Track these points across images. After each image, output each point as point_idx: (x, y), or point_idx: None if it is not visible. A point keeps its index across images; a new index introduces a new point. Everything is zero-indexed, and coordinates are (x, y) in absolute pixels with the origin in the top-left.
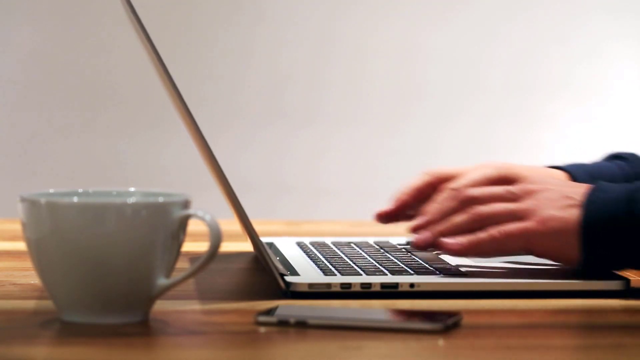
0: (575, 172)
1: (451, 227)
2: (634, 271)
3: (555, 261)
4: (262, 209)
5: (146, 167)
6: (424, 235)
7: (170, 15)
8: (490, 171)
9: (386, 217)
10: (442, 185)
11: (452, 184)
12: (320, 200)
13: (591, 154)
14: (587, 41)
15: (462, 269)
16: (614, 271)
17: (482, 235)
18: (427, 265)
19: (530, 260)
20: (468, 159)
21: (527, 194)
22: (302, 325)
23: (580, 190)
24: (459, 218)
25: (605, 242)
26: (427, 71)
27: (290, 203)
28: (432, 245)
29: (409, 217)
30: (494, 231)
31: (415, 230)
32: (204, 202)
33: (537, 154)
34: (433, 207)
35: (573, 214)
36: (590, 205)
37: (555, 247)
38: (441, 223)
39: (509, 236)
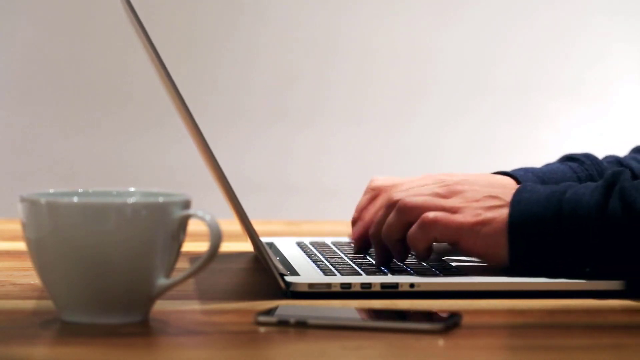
0: (522, 177)
1: (388, 228)
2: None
3: (481, 259)
4: (267, 209)
5: (148, 167)
6: (359, 241)
7: (172, 16)
8: (429, 182)
9: (360, 249)
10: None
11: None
12: (326, 200)
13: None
14: (591, 43)
15: (462, 269)
16: (542, 271)
17: (412, 228)
18: (427, 265)
19: None
20: (472, 158)
21: (454, 193)
22: (302, 325)
23: (507, 190)
24: (392, 218)
25: (531, 242)
26: (431, 71)
27: (296, 203)
28: (368, 244)
29: None
30: (424, 217)
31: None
32: (206, 202)
33: (541, 154)
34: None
35: (502, 213)
36: (516, 205)
37: (484, 246)
38: (373, 222)
39: (438, 223)
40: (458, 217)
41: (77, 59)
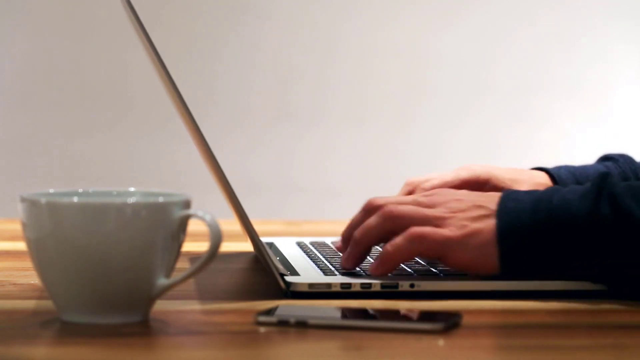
0: (559, 174)
1: (365, 230)
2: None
3: (470, 271)
4: (267, 209)
5: (148, 167)
6: (345, 254)
7: (173, 17)
8: (464, 173)
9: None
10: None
11: (424, 184)
12: (326, 200)
13: (597, 156)
14: (593, 44)
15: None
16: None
17: (397, 239)
18: (427, 266)
19: None
20: (474, 160)
21: (437, 203)
22: (302, 325)
23: (493, 199)
24: (372, 220)
25: (523, 251)
26: (434, 72)
27: (296, 203)
28: (357, 259)
29: None
30: (411, 231)
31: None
32: (206, 202)
33: (544, 156)
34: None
35: (489, 223)
36: (503, 216)
37: (473, 258)
38: (356, 231)
39: (426, 238)
40: (445, 232)
41: (78, 59)
